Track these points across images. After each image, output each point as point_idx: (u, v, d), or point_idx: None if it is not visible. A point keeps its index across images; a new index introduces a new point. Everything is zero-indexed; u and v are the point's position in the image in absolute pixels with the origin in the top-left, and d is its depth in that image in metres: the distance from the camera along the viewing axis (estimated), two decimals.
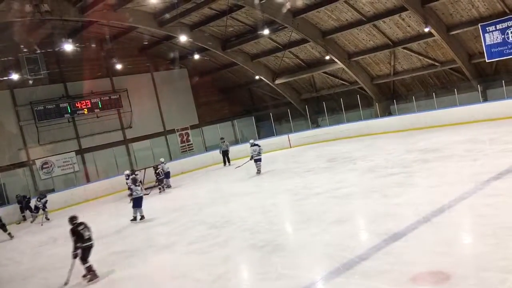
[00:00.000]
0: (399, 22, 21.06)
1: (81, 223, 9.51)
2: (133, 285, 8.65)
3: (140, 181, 20.58)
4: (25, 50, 21.20)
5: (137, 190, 14.28)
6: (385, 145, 19.57)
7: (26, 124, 22.98)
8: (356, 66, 24.72)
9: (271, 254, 8.60)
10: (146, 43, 26.47)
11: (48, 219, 18.33)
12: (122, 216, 16.34)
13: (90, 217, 15.91)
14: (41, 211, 18.57)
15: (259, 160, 18.51)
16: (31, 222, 18.58)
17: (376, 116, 25.15)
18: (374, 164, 15.53)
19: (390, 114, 25.21)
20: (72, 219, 9.45)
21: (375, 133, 23.42)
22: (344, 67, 24.34)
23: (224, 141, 24.53)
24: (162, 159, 20.73)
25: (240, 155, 24.26)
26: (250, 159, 18.79)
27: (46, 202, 18.61)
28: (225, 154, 24.14)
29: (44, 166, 23.34)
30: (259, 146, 18.66)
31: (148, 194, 19.54)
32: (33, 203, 19.14)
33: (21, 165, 22.58)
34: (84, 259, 9.30)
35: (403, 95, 25.10)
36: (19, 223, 19.07)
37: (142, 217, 14.42)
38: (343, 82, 26.72)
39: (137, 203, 14.32)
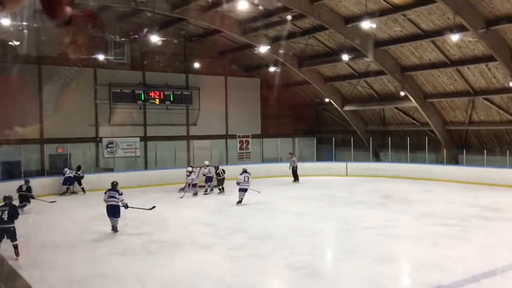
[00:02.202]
0: (485, 72, 20.28)
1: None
2: (166, 277, 8.84)
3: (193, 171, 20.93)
4: (114, 34, 22.42)
5: (108, 197, 12.52)
6: (445, 194, 18.83)
7: (101, 103, 24.23)
8: (431, 107, 24.01)
9: (307, 277, 8.50)
10: (226, 47, 27.16)
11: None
12: (170, 207, 16.78)
13: (141, 203, 16.46)
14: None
15: (245, 190, 16.71)
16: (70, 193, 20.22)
17: (442, 162, 24.24)
18: (430, 211, 14.98)
19: (457, 163, 24.20)
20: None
21: (437, 179, 22.56)
22: (417, 106, 23.72)
23: (292, 156, 24.39)
24: (206, 162, 20.92)
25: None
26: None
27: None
28: (293, 170, 23.76)
29: (109, 145, 24.45)
30: (249, 174, 17.15)
31: (207, 194, 19.79)
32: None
33: (88, 140, 23.79)
34: None
35: (475, 146, 24.03)
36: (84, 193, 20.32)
37: (114, 228, 12.55)
38: (414, 121, 26.03)
39: (108, 212, 12.51)
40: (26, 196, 16.35)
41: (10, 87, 19.39)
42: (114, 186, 12.78)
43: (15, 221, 10.23)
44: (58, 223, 14.29)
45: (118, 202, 12.41)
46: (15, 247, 10.03)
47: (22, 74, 19.78)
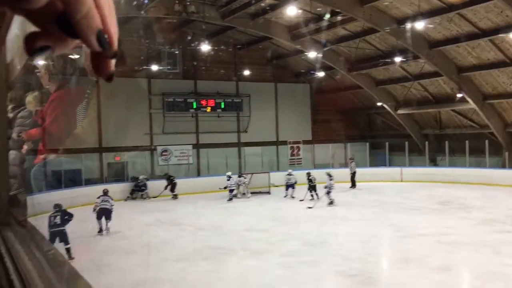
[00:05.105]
0: None
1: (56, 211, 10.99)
2: (220, 283, 8.93)
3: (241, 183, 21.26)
4: (165, 44, 23.09)
5: (101, 201, 13.87)
6: (508, 199, 17.89)
7: (155, 112, 24.95)
8: (490, 109, 22.92)
9: (361, 285, 8.33)
10: (276, 53, 27.25)
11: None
12: (223, 213, 16.97)
13: (196, 209, 16.81)
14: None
15: (314, 188, 19.18)
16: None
17: (504, 167, 23.07)
18: (491, 217, 14.28)
19: None
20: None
21: (499, 184, 21.48)
22: (476, 108, 22.72)
23: (352, 161, 24.03)
24: (290, 170, 21.58)
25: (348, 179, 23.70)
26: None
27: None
28: (352, 176, 23.38)
29: (163, 153, 25.11)
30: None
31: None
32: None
33: (144, 148, 24.53)
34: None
35: None
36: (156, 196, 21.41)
37: (104, 230, 13.82)
38: (472, 124, 24.95)
39: (99, 214, 13.79)
40: (140, 189, 21.31)
41: (71, 99, 20.36)
42: (105, 193, 14.38)
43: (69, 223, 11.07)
44: (116, 229, 14.78)
45: (111, 207, 13.89)
46: (68, 250, 10.61)
47: (81, 86, 20.75)
